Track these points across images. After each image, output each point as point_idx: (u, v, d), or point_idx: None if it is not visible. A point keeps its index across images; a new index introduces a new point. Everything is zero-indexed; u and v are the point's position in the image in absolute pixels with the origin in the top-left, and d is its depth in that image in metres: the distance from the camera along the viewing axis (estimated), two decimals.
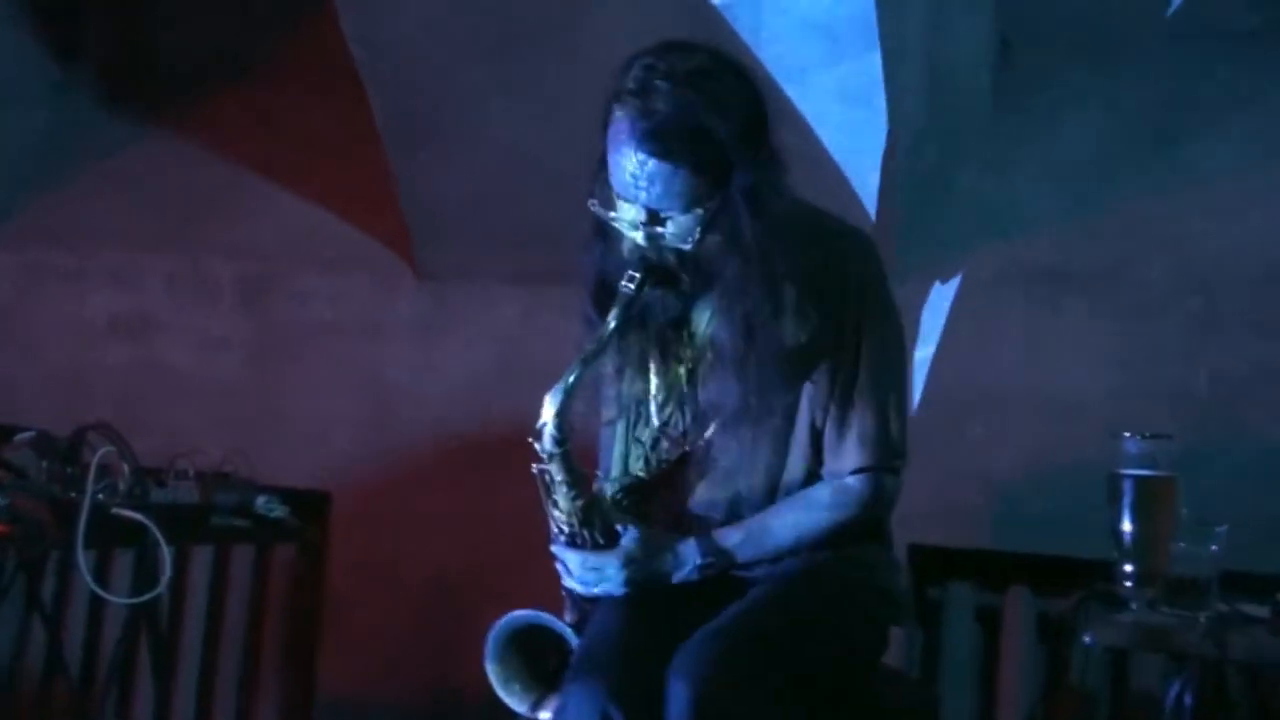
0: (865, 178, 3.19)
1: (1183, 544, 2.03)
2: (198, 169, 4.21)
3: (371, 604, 3.77)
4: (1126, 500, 2.09)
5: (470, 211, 3.68)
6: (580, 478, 2.06)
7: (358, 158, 3.87)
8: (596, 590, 2.10)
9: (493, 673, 2.16)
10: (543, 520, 2.21)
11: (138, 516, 2.63)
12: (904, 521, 3.25)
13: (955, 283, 3.37)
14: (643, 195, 1.96)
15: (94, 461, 2.62)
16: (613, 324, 2.00)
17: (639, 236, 2.00)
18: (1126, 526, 2.09)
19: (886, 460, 2.11)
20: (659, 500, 2.18)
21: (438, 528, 3.73)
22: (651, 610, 2.07)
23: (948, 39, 3.45)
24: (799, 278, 2.05)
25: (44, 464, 2.66)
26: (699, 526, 2.13)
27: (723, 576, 2.15)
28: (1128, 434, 2.12)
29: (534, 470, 2.06)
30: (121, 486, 2.69)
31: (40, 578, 3.33)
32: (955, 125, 3.55)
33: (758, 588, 2.10)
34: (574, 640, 2.10)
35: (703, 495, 2.16)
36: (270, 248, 4.04)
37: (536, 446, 2.03)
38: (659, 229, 1.98)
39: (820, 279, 2.07)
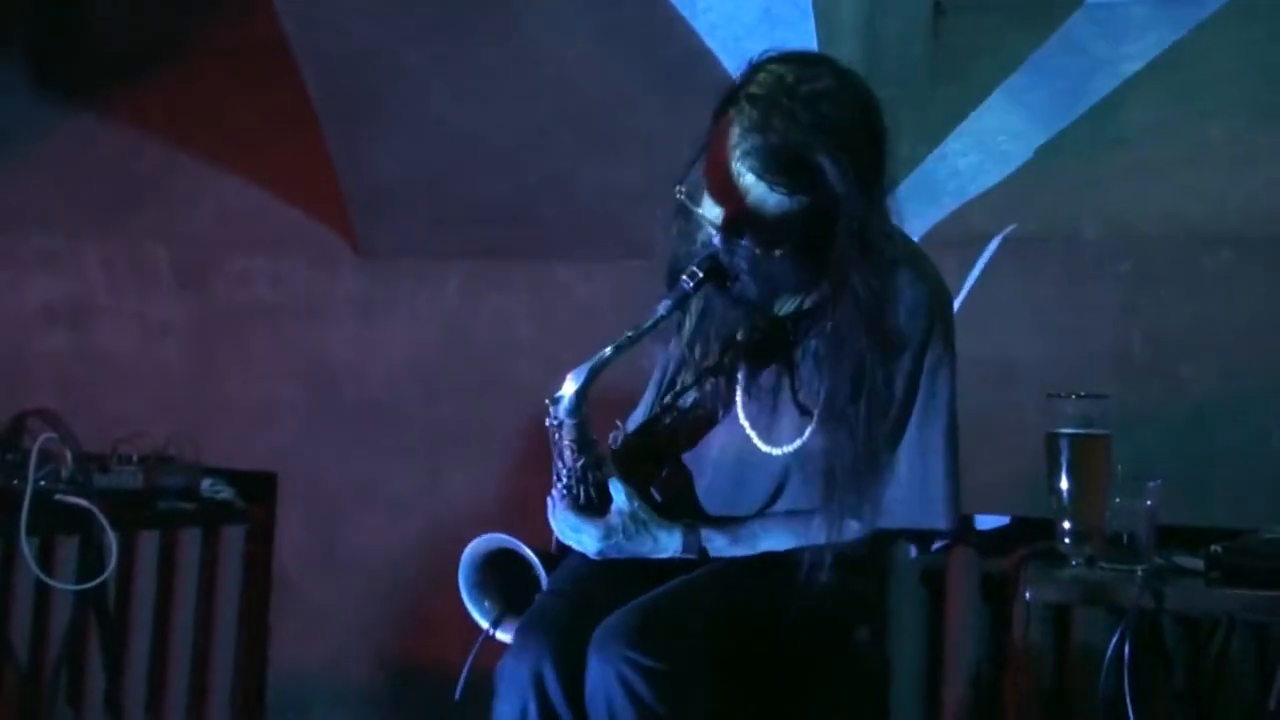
0: None
1: (1118, 500, 2.07)
2: (131, 152, 4.17)
3: (321, 584, 3.77)
4: (1063, 459, 2.14)
5: (409, 189, 3.66)
6: (588, 443, 2.05)
7: (294, 138, 3.85)
8: (571, 543, 2.11)
9: (464, 581, 2.18)
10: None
11: (81, 502, 2.62)
12: None
13: None
14: (734, 203, 1.90)
15: (35, 448, 2.61)
16: (660, 313, 1.96)
17: (716, 238, 1.95)
18: (1064, 485, 2.14)
19: (923, 521, 2.12)
20: (656, 461, 2.20)
21: (385, 506, 3.73)
22: (608, 578, 2.08)
23: (883, 9, 3.47)
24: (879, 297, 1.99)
25: None
26: (690, 511, 2.13)
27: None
28: (1062, 394, 2.16)
29: (547, 422, 2.04)
30: (64, 473, 2.68)
31: None
32: (891, 96, 3.56)
33: (707, 565, 2.10)
34: (541, 571, 2.12)
35: (708, 481, 2.17)
36: (208, 230, 4.01)
37: (550, 411, 2.02)
38: (737, 239, 1.93)
39: (893, 306, 2.02)
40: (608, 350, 1.96)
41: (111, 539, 2.66)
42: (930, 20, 3.72)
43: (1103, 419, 2.17)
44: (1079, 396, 2.16)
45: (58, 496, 2.62)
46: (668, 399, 2.20)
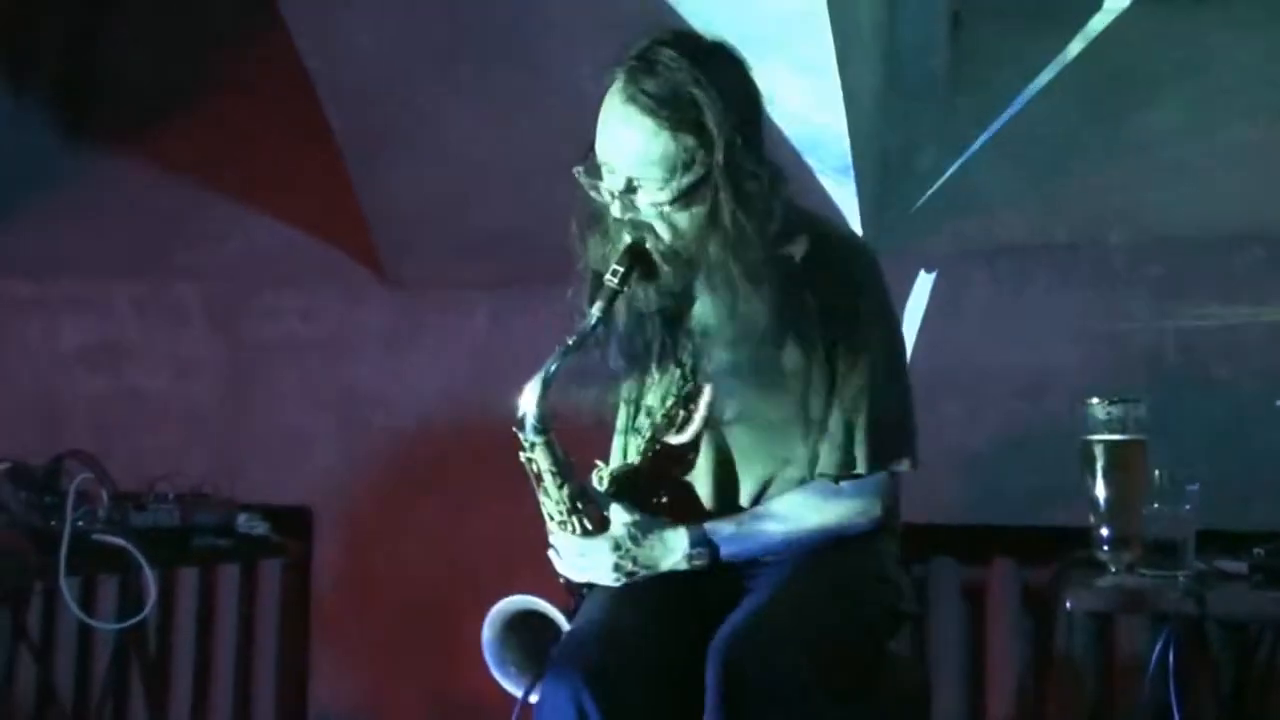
0: (825, 164, 3.21)
1: (1156, 505, 2.05)
2: (157, 192, 4.20)
3: (359, 616, 3.77)
4: (1098, 465, 2.11)
5: (433, 220, 3.68)
6: (566, 466, 2.06)
7: (318, 172, 3.87)
8: (586, 577, 2.11)
9: (490, 655, 2.18)
10: (525, 522, 2.23)
11: (119, 541, 2.63)
12: None
13: (922, 264, 3.39)
14: (621, 161, 1.99)
15: (72, 489, 2.62)
16: (595, 315, 2.00)
17: (616, 208, 2.02)
18: (1100, 492, 2.11)
19: (879, 463, 2.10)
20: (650, 489, 2.18)
21: (421, 536, 3.73)
22: (635, 603, 2.07)
23: (901, 19, 3.47)
24: (797, 280, 2.05)
25: (21, 494, 2.66)
26: (689, 518, 2.12)
27: (712, 572, 2.14)
28: (1096, 400, 2.14)
29: (522, 459, 2.06)
30: (101, 513, 2.69)
31: (25, 608, 3.32)
32: (912, 109, 3.56)
33: (767, 575, 2.09)
34: (565, 626, 2.11)
35: (697, 489, 2.17)
36: (236, 267, 4.03)
37: (520, 436, 2.03)
38: (633, 195, 1.99)
39: (819, 283, 2.07)
40: (555, 361, 1.99)
41: (150, 577, 2.66)
42: (949, 31, 3.71)
43: (1138, 424, 2.14)
44: (1113, 402, 2.14)
45: (95, 536, 2.62)
46: (642, 426, 2.20)
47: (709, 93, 1.96)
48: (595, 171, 2.04)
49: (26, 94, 4.43)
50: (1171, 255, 3.19)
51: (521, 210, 3.51)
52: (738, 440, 2.13)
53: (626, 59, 2.00)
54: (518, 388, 2.13)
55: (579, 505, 2.08)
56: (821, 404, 2.09)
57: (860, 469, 2.08)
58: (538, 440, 2.03)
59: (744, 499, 2.15)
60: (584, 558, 2.09)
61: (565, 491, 2.07)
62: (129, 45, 4.42)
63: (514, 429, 2.03)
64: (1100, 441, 2.12)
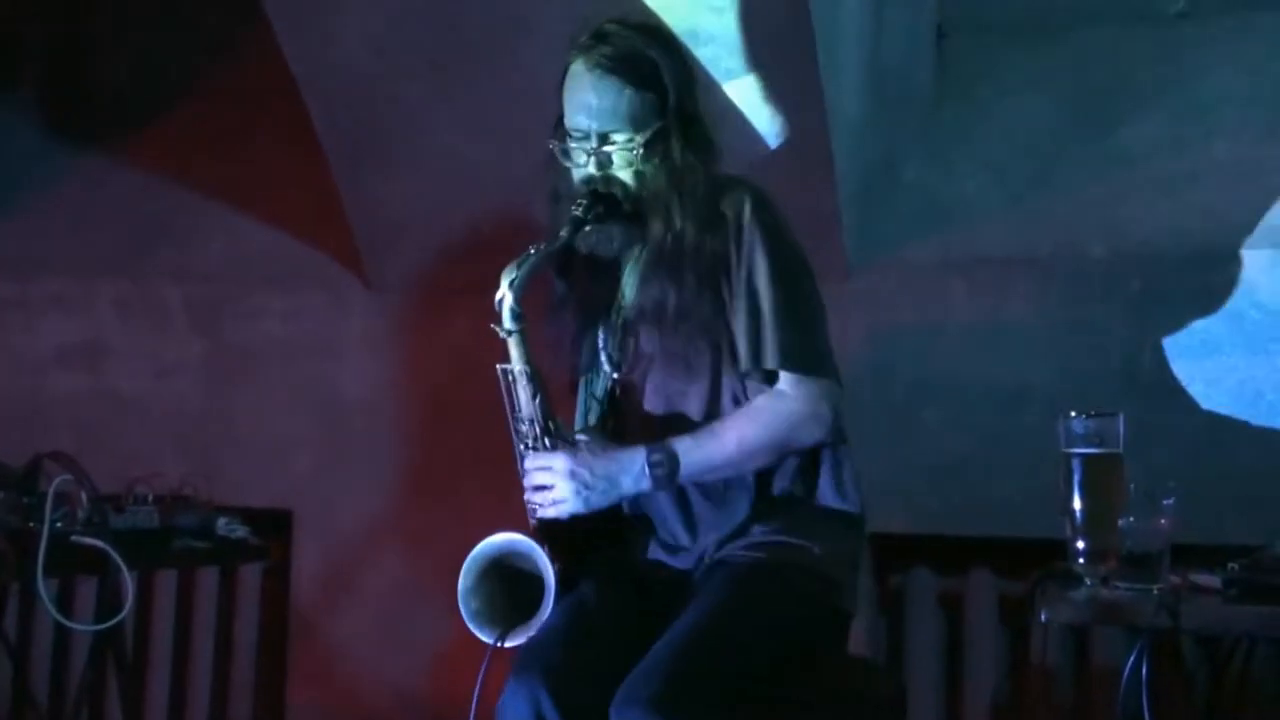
0: (808, 174, 3.22)
1: (1132, 519, 2.06)
2: (140, 193, 4.19)
3: (338, 620, 3.77)
4: (1075, 479, 2.13)
5: (418, 223, 3.68)
6: (536, 373, 2.21)
7: (302, 175, 3.87)
8: (552, 509, 2.18)
9: (462, 602, 2.21)
10: (508, 525, 2.24)
11: (98, 543, 2.62)
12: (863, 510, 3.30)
13: (904, 275, 3.40)
14: (594, 122, 2.18)
15: (51, 490, 2.61)
16: (563, 236, 2.17)
17: (591, 166, 2.20)
18: (1077, 504, 2.13)
19: (806, 362, 2.19)
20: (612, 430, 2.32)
21: (401, 540, 3.73)
22: (594, 608, 2.14)
23: (885, 33, 3.49)
24: (705, 216, 2.22)
25: (0, 494, 2.65)
26: None
27: (664, 573, 2.23)
28: (1074, 414, 2.16)
29: (498, 370, 2.22)
30: (80, 514, 2.68)
31: (2, 609, 3.31)
32: (896, 119, 3.58)
33: (697, 600, 2.13)
34: (548, 566, 2.15)
35: (645, 433, 2.24)
36: (219, 268, 4.03)
37: (496, 328, 2.17)
38: (607, 149, 2.19)
39: (719, 219, 2.23)
40: (530, 257, 2.15)
41: (128, 579, 2.66)
42: (933, 44, 3.73)
43: (1115, 438, 2.16)
44: (1090, 416, 2.15)
45: (74, 538, 2.61)
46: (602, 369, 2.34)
47: (659, 53, 2.21)
48: (566, 140, 2.23)
49: (11, 95, 4.42)
50: (1150, 270, 3.21)
51: (504, 215, 3.52)
52: (678, 374, 2.24)
53: (579, 43, 2.22)
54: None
55: (550, 423, 2.21)
56: (738, 329, 2.22)
57: (771, 361, 2.18)
58: (514, 329, 2.17)
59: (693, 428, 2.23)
60: (546, 473, 2.17)
61: (538, 401, 2.20)
62: (114, 47, 4.42)
63: (491, 326, 2.17)
64: (1077, 455, 2.14)
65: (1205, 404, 3.12)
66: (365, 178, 3.62)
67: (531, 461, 2.20)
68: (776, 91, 3.13)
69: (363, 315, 3.86)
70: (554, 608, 2.15)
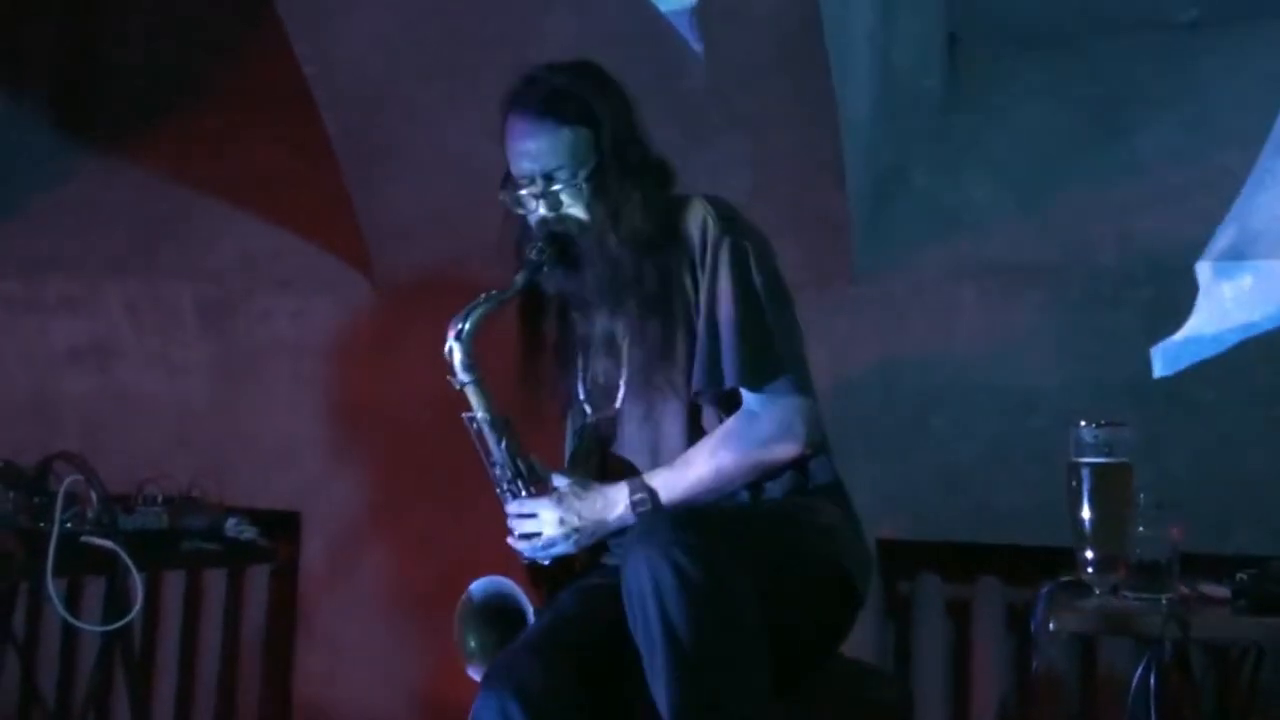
0: (819, 179, 3.22)
1: (1141, 528, 2.06)
2: (151, 193, 4.21)
3: (346, 621, 3.77)
4: (1084, 488, 2.12)
5: (427, 225, 3.69)
6: (501, 419, 2.24)
7: (312, 176, 3.88)
8: (541, 553, 2.22)
9: (457, 639, 2.27)
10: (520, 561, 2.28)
11: (107, 544, 2.63)
12: (871, 517, 3.28)
13: (913, 283, 3.40)
14: (537, 164, 2.21)
15: (61, 490, 2.62)
16: (518, 283, 2.22)
17: (543, 208, 2.23)
18: (1085, 514, 2.12)
19: (767, 378, 2.18)
20: (591, 462, 2.35)
21: (409, 542, 3.73)
22: (568, 622, 2.14)
23: (896, 41, 3.49)
24: (648, 241, 2.22)
25: (10, 494, 2.66)
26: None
27: None
28: (1083, 423, 2.15)
29: (464, 419, 2.26)
30: (90, 514, 2.69)
31: (10, 609, 3.32)
32: (907, 127, 3.59)
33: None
34: (530, 611, 2.20)
35: (632, 458, 2.27)
36: (229, 269, 4.03)
37: (451, 380, 2.22)
38: (555, 189, 2.21)
39: (677, 240, 2.23)
40: (480, 306, 2.20)
41: (137, 580, 2.67)
42: (944, 51, 3.73)
43: (1124, 447, 2.16)
44: (1099, 425, 2.15)
45: (83, 538, 2.63)
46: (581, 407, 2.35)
47: (586, 86, 2.23)
48: (515, 190, 2.26)
49: (22, 95, 4.43)
50: (1160, 278, 3.21)
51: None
52: (654, 404, 2.25)
53: (512, 91, 2.25)
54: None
55: (519, 465, 2.24)
56: (701, 346, 2.21)
57: (730, 380, 2.17)
58: (468, 379, 2.22)
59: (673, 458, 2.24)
60: (533, 520, 2.21)
61: (504, 446, 2.24)
62: (125, 47, 4.43)
63: (447, 377, 2.21)
64: (1086, 464, 2.14)
65: (1214, 413, 3.11)
66: (374, 179, 3.62)
67: (516, 508, 2.23)
68: (787, 99, 3.13)
69: (371, 316, 3.87)
70: (532, 626, 2.19)
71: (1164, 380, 3.13)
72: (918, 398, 3.35)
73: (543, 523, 2.20)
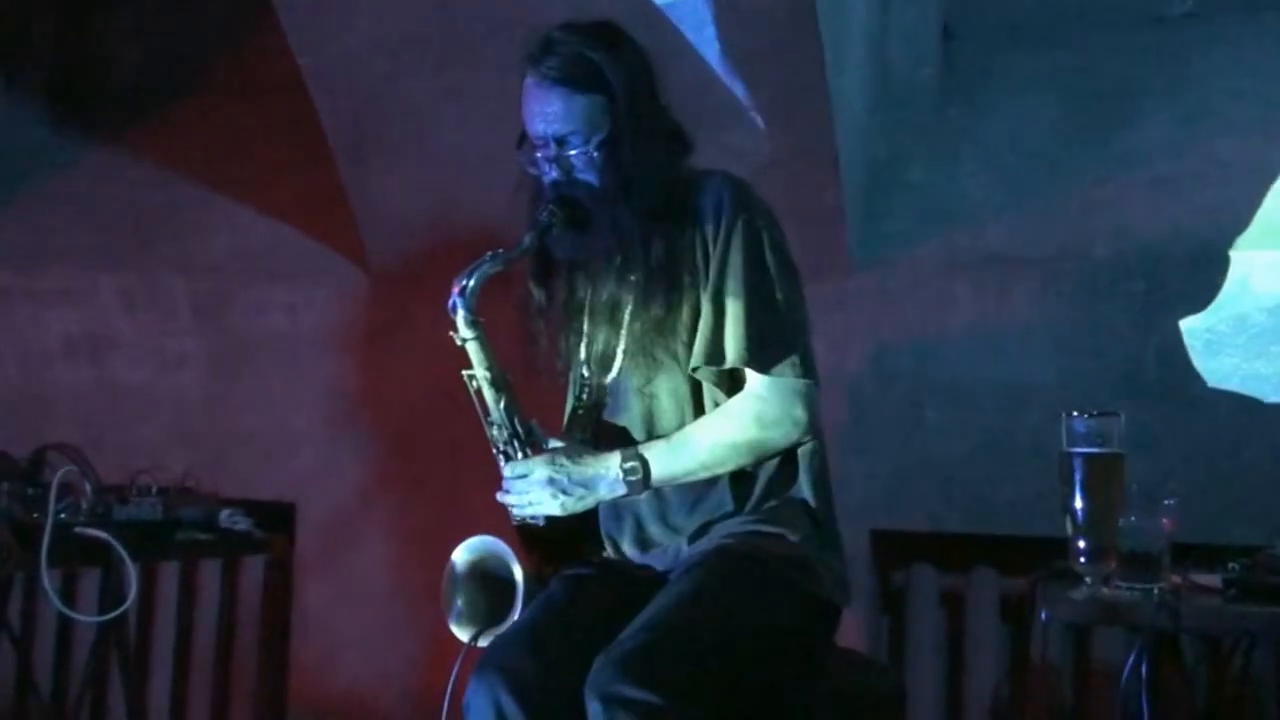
0: (813, 172, 3.23)
1: (1133, 518, 2.07)
2: (145, 185, 4.21)
3: (340, 613, 3.77)
4: (1077, 478, 2.13)
5: (422, 217, 3.69)
6: (502, 377, 2.23)
7: (308, 169, 3.88)
8: (528, 511, 2.21)
9: (444, 600, 2.27)
10: (508, 523, 2.26)
11: (101, 535, 2.64)
12: (866, 508, 3.31)
13: (908, 274, 3.41)
14: (550, 127, 2.20)
15: (55, 481, 2.62)
16: (525, 243, 2.21)
17: (555, 172, 2.22)
18: (1078, 504, 2.13)
19: (773, 360, 2.17)
20: (588, 429, 2.34)
21: (404, 534, 3.74)
22: (560, 608, 2.15)
23: (891, 34, 3.49)
24: (661, 212, 2.22)
25: (4, 485, 2.66)
26: None
27: (639, 573, 2.23)
28: (1075, 413, 2.16)
29: (464, 377, 2.25)
30: (84, 505, 2.70)
31: (5, 599, 3.32)
32: (902, 120, 3.59)
33: (672, 582, 2.13)
34: (518, 571, 2.20)
35: (630, 428, 2.26)
36: (224, 261, 4.03)
37: (454, 336, 2.21)
38: (567, 154, 2.20)
39: (691, 213, 2.23)
40: (485, 264, 2.20)
41: (131, 570, 2.67)
42: (939, 44, 3.74)
43: (1116, 437, 2.16)
44: (1091, 415, 2.16)
45: (78, 529, 2.63)
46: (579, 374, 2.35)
47: (603, 55, 2.21)
48: (530, 152, 2.26)
49: (18, 87, 4.43)
50: (1154, 270, 3.21)
51: (508, 209, 3.53)
52: (653, 374, 2.24)
53: (529, 54, 2.23)
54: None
55: (517, 425, 2.23)
56: (707, 327, 2.21)
57: (733, 359, 2.17)
58: (470, 336, 2.21)
59: (671, 429, 2.24)
60: (523, 480, 2.20)
61: (502, 405, 2.24)
62: (122, 39, 4.43)
63: (450, 333, 2.20)
64: (1079, 454, 2.14)
65: (1208, 404, 3.12)
66: (369, 171, 3.62)
67: (510, 469, 2.22)
68: (782, 88, 3.13)
69: (366, 308, 3.87)
70: (523, 608, 2.19)
71: (1156, 371, 3.15)
72: (913, 389, 3.35)
73: (532, 482, 2.19)
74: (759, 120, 3.18)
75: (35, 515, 2.58)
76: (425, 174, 3.57)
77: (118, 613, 2.76)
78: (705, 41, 3.03)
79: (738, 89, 3.12)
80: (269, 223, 4.03)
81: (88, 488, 2.70)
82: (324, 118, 3.51)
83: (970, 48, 3.75)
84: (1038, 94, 3.60)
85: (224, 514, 3.06)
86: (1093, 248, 3.29)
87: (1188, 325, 3.15)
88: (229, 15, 4.26)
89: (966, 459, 3.29)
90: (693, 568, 2.13)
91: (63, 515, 2.61)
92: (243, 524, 3.09)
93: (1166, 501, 2.08)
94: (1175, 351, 3.15)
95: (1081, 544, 2.12)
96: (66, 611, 2.80)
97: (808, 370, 2.20)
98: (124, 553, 2.63)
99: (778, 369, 2.17)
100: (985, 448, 3.28)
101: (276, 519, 3.66)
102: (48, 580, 2.53)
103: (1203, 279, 3.19)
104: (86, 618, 2.98)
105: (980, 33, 3.76)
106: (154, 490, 2.95)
